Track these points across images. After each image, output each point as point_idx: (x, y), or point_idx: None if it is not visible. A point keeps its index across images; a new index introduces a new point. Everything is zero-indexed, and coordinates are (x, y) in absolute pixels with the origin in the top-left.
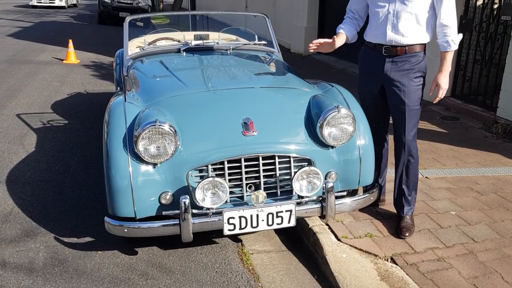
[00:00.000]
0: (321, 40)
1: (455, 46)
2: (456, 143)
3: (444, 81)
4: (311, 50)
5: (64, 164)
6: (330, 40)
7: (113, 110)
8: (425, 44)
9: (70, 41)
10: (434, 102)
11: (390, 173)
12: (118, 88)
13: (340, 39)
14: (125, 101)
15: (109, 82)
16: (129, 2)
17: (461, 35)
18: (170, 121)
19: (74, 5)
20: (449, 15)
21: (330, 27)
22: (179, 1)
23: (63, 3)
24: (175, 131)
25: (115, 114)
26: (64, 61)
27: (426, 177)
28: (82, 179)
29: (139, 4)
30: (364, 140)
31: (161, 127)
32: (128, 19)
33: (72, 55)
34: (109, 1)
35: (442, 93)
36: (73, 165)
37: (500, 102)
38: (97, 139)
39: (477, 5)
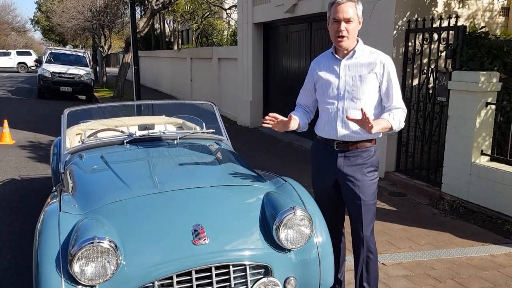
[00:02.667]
0: (278, 116)
1: (396, 125)
2: (407, 222)
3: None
4: (265, 125)
5: None
6: (285, 119)
7: (46, 220)
8: (375, 139)
9: (5, 121)
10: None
11: (349, 260)
12: (54, 188)
13: (293, 123)
14: (60, 210)
15: (46, 165)
16: (70, 76)
17: (403, 125)
18: (110, 234)
19: None
20: (400, 102)
21: (274, 102)
22: (123, 75)
23: None
24: (116, 246)
25: (48, 226)
26: None
27: (383, 263)
28: None
29: (81, 79)
30: (321, 237)
31: (100, 244)
32: (66, 111)
33: (7, 136)
34: (50, 76)
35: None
36: (0, 270)
37: (444, 178)
38: (31, 236)
39: (414, 85)
